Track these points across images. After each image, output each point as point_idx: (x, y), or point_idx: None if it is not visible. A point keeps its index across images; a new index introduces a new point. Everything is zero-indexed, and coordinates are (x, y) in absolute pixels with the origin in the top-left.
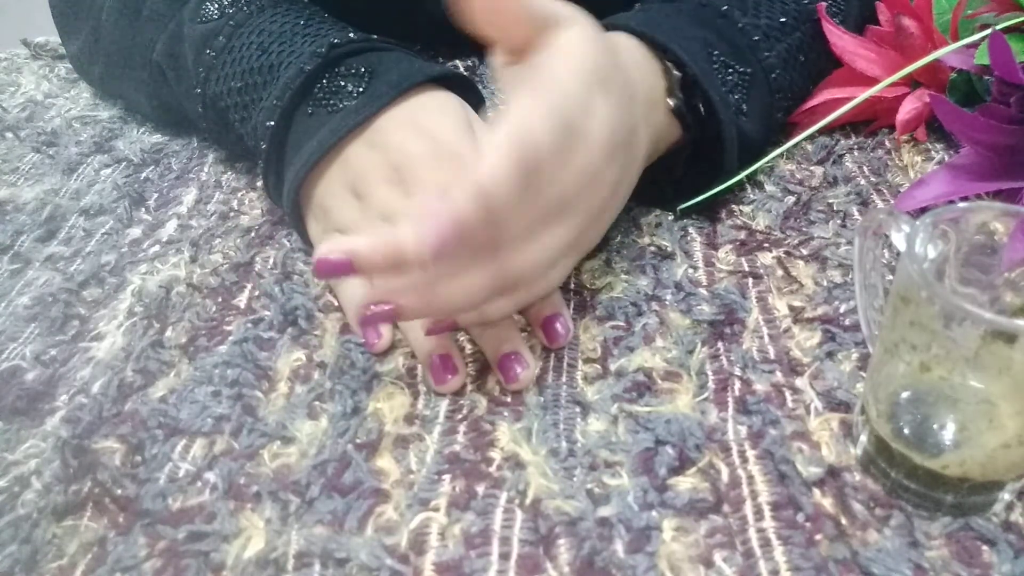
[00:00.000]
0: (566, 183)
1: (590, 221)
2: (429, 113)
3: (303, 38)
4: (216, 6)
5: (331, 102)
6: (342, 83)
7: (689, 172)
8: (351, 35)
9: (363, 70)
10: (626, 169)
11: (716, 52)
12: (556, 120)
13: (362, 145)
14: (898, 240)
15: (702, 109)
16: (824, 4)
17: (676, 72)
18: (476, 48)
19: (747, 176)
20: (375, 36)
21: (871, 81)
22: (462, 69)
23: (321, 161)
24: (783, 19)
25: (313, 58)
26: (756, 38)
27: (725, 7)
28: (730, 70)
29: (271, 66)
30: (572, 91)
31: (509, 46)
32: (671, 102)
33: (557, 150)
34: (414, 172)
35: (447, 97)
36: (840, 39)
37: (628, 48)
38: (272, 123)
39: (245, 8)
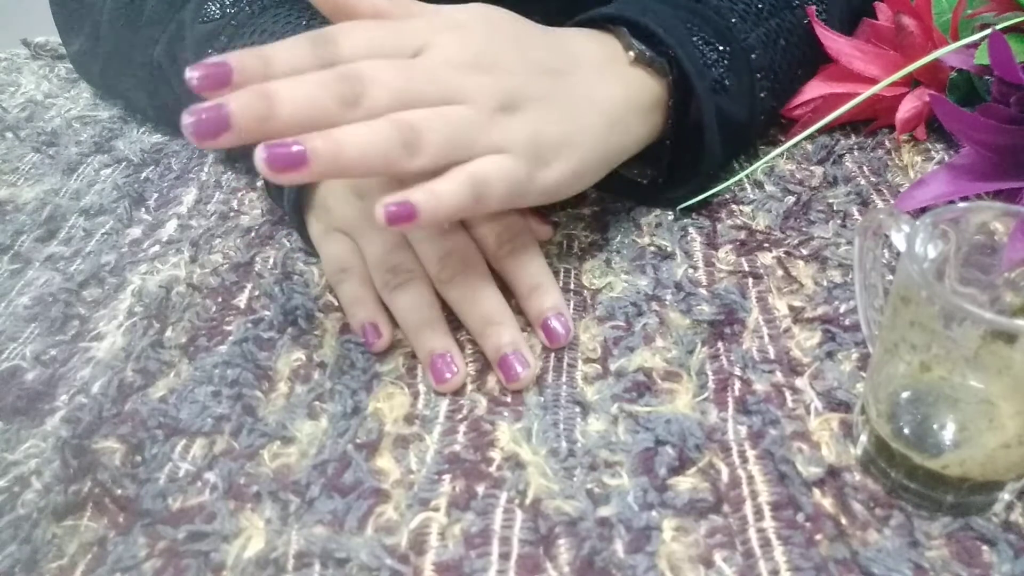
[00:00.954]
0: (491, 46)
1: (531, 93)
2: None
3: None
4: (217, 6)
5: None
6: None
7: (676, 160)
8: None
9: None
10: (576, 76)
11: (695, 28)
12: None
13: None
14: (898, 240)
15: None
16: (813, 7)
17: (642, 47)
18: None
19: (747, 176)
20: None
21: (869, 80)
22: None
23: None
24: (759, 5)
25: None
26: (733, 20)
27: None
28: (709, 47)
29: None
30: None
31: None
32: (631, 53)
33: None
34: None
35: None
36: (835, 42)
37: (574, 32)
38: None
39: (247, 8)
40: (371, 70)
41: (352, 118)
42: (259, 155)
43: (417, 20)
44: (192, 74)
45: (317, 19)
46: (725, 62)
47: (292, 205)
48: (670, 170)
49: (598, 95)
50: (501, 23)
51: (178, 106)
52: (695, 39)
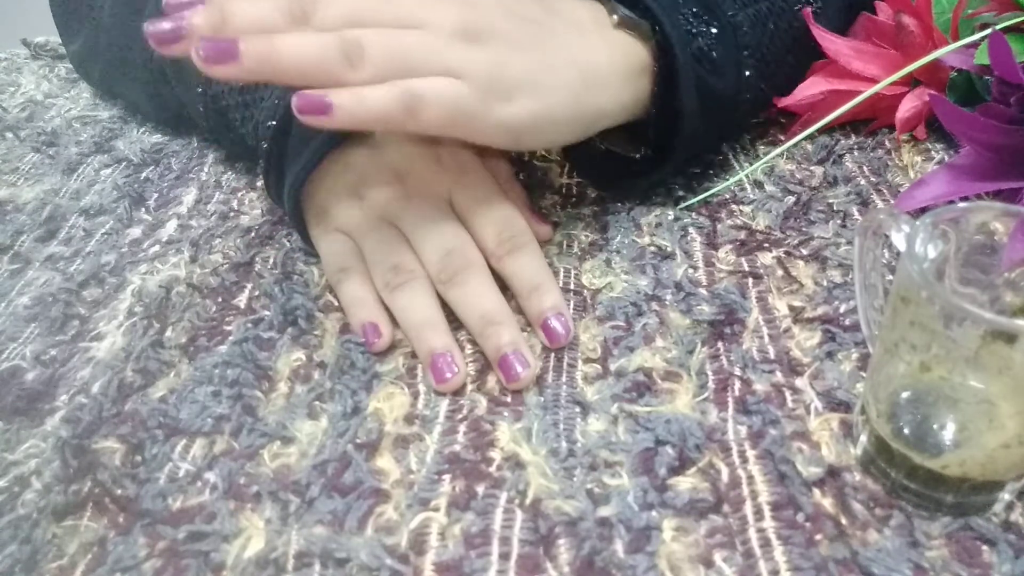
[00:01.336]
0: None
1: (499, 30)
2: None
3: None
4: None
5: None
6: None
7: (666, 139)
8: None
9: None
10: (555, 30)
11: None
12: None
13: (364, 147)
14: (898, 240)
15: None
16: (809, 9)
17: (626, 12)
18: None
19: (747, 176)
20: None
21: (868, 80)
22: None
23: (323, 162)
24: None
25: None
26: None
27: None
28: (696, 19)
29: None
30: None
31: None
32: (615, 17)
33: None
34: (415, 174)
35: None
36: (832, 43)
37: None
38: (274, 122)
39: None
40: None
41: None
42: (195, 49)
43: None
44: (150, 27)
45: None
46: (713, 32)
47: (292, 205)
48: (659, 149)
49: (576, 51)
50: None
51: (179, 107)
52: (683, 10)
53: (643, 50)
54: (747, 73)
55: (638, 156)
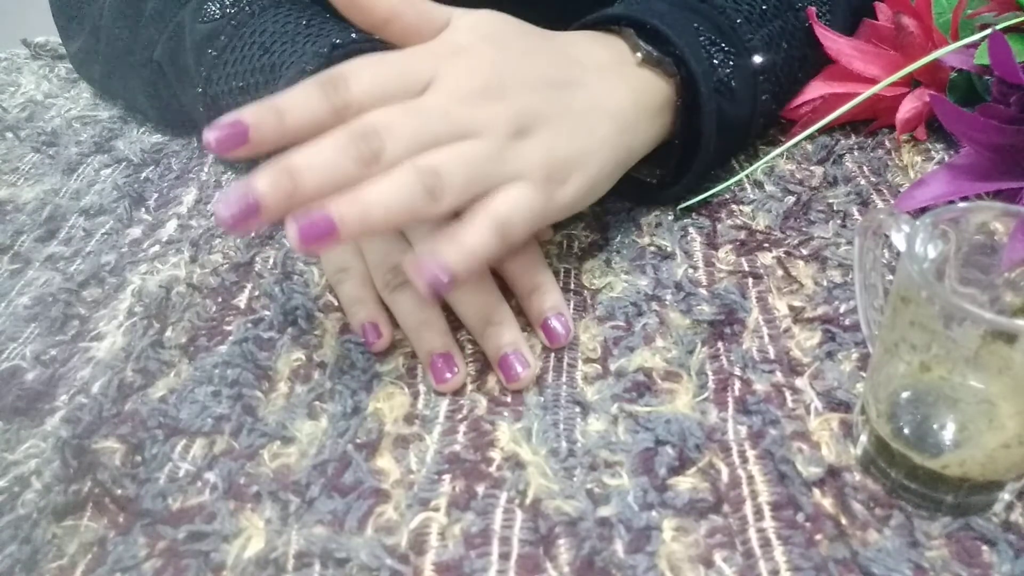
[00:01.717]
0: (497, 68)
1: (541, 112)
2: None
3: (305, 38)
4: (218, 6)
5: None
6: None
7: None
8: (353, 35)
9: None
10: (585, 85)
11: (701, 28)
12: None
13: None
14: (898, 240)
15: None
16: (813, 9)
17: (648, 48)
18: None
19: (747, 175)
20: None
21: (869, 80)
22: None
23: None
24: (764, 6)
25: (316, 58)
26: (738, 21)
27: None
28: (715, 48)
29: (273, 66)
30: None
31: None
32: (638, 55)
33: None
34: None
35: None
36: (834, 43)
37: (579, 36)
38: None
39: (247, 8)
40: (385, 120)
41: (373, 174)
42: (291, 232)
43: (421, 51)
44: (210, 136)
45: (317, 18)
46: (730, 63)
47: None
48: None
49: (607, 102)
50: (506, 38)
51: (179, 107)
52: (701, 39)
53: (667, 86)
54: (763, 98)
55: (654, 181)
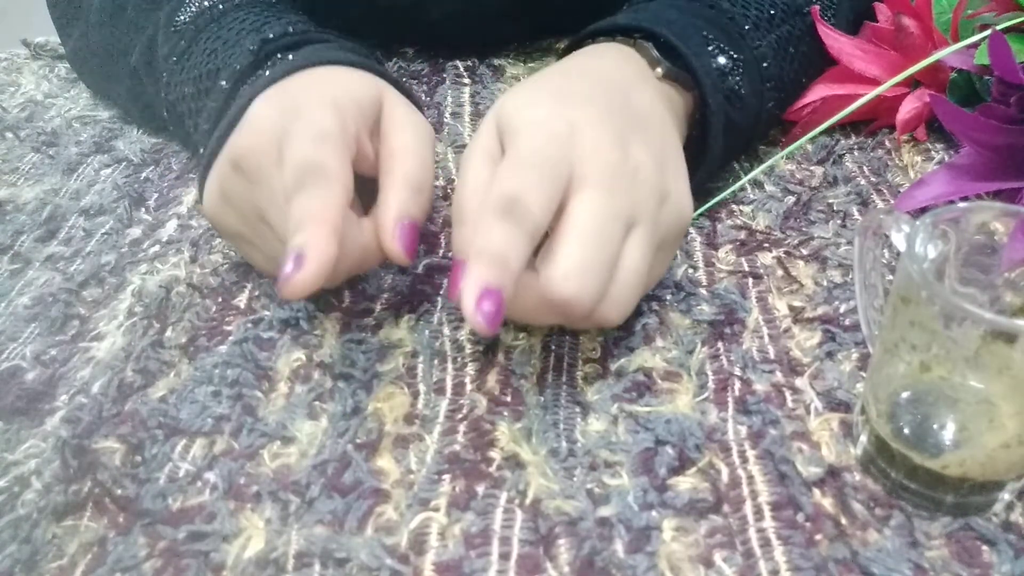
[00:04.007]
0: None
1: (644, 206)
2: (303, 92)
3: (248, 35)
4: (188, 14)
5: None
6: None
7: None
8: (289, 28)
9: (290, 60)
10: (649, 132)
11: (711, 37)
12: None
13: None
14: (898, 240)
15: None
16: (817, 7)
17: (668, 64)
18: (475, 49)
19: (749, 179)
20: (336, 30)
21: (869, 80)
22: (462, 70)
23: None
24: (772, 11)
25: (246, 55)
26: (747, 27)
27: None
28: (724, 56)
29: (217, 70)
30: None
31: None
32: (659, 70)
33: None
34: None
35: (340, 76)
36: (836, 41)
37: (595, 52)
38: (208, 126)
39: (209, 13)
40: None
41: None
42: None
43: (551, 148)
44: (477, 319)
45: (281, 20)
46: (739, 70)
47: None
48: None
49: (667, 134)
50: (599, 134)
51: (160, 111)
52: (710, 47)
53: (683, 100)
54: (769, 105)
55: None
